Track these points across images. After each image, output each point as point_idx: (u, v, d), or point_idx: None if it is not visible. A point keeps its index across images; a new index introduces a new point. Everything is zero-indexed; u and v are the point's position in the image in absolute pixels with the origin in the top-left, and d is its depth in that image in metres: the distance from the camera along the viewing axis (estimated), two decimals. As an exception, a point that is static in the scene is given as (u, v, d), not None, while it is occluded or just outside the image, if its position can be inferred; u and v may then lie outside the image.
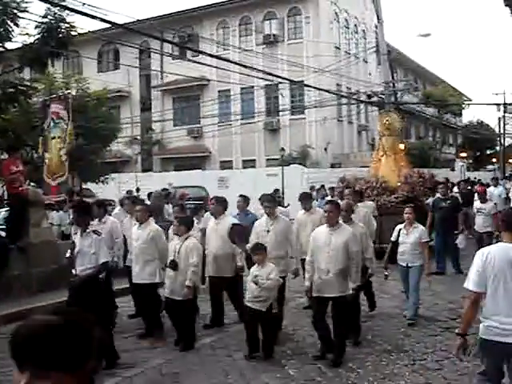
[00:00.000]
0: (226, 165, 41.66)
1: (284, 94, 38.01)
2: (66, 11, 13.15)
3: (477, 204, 16.03)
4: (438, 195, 16.12)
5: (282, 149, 34.84)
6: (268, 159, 40.38)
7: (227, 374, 7.61)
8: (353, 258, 7.82)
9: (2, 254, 10.83)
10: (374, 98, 26.54)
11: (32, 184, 19.86)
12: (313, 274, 7.96)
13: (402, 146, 21.60)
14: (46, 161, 8.79)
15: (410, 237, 10.16)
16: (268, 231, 9.43)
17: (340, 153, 40.84)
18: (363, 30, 45.71)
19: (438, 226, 15.09)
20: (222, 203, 10.38)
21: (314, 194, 21.12)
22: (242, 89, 40.03)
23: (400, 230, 10.38)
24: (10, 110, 16.02)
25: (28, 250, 11.36)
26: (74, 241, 8.11)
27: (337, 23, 42.58)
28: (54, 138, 8.56)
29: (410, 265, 10.14)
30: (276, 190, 19.72)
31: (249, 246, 9.36)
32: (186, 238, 8.85)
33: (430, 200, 16.57)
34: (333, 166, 38.38)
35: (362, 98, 34.93)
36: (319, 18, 40.29)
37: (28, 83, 15.16)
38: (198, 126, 43.16)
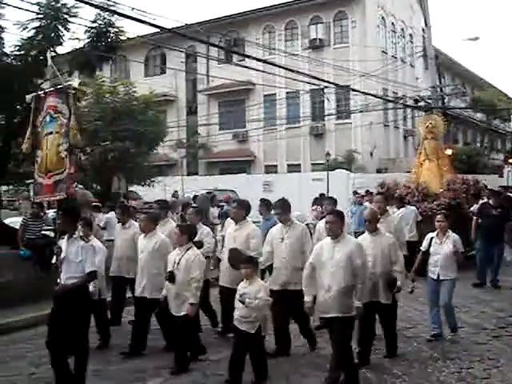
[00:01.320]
0: (270, 169, 41.68)
1: (330, 99, 37.75)
2: (115, 16, 13.32)
3: None
4: (485, 201, 15.42)
5: (328, 153, 34.67)
6: (313, 164, 40.21)
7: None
8: (356, 273, 7.04)
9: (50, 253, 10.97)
10: (421, 103, 26.28)
11: (80, 186, 20.23)
12: (312, 290, 7.30)
13: (448, 151, 21.22)
14: (38, 159, 8.07)
15: (443, 246, 9.35)
16: (282, 239, 8.71)
17: (386, 158, 40.46)
18: (410, 34, 45.28)
19: (483, 234, 14.30)
20: (243, 207, 9.55)
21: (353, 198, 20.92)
22: (287, 93, 39.92)
23: (432, 238, 9.56)
24: (59, 114, 16.30)
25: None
26: (61, 246, 7.38)
27: (383, 27, 42.26)
28: (50, 133, 7.87)
29: (441, 278, 9.31)
30: (322, 195, 19.59)
31: (261, 259, 8.70)
32: (188, 249, 8.07)
33: (475, 207, 15.90)
34: (379, 171, 38.05)
35: (408, 103, 34.64)
36: (365, 22, 40.03)
37: (77, 87, 15.39)
38: (244, 130, 43.27)
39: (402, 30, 44.78)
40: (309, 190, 26.14)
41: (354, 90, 29.12)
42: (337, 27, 41.21)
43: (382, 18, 42.01)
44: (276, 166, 42.38)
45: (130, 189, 25.85)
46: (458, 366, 7.94)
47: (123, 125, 23.10)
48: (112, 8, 13.11)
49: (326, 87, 29.48)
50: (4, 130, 14.18)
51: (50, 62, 8.47)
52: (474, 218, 14.83)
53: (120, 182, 22.81)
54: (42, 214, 13.31)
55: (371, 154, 39.31)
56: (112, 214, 13.96)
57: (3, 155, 14.15)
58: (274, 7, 42.05)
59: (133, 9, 13.30)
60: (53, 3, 13.09)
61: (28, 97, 8.39)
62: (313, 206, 18.94)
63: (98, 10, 13.35)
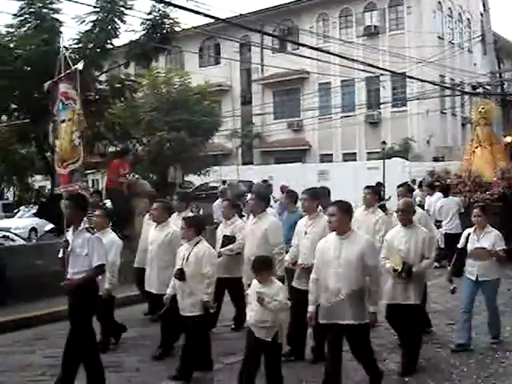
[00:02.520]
0: (325, 158, 41.51)
1: (385, 86, 37.35)
2: (170, 7, 13.46)
3: None
4: None
5: (384, 142, 34.38)
6: (369, 152, 39.92)
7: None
8: (370, 274, 6.26)
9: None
10: (480, 90, 25.73)
11: (137, 176, 20.53)
12: (318, 296, 6.42)
13: (508, 139, 20.54)
14: (57, 149, 7.67)
15: (481, 243, 8.25)
16: (306, 233, 7.88)
17: (443, 146, 39.82)
18: (468, 19, 44.36)
19: None
20: (262, 199, 8.98)
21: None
22: (342, 81, 39.66)
23: (469, 234, 8.48)
24: (117, 105, 16.60)
25: (133, 239, 11.65)
26: (67, 239, 6.90)
27: (440, 12, 41.51)
28: (63, 121, 7.49)
29: (480, 279, 8.18)
30: (378, 184, 19.38)
31: (288, 256, 8.09)
32: (197, 243, 7.32)
33: None
34: (436, 159, 37.49)
35: (466, 90, 33.96)
36: (421, 8, 39.41)
37: (133, 78, 15.65)
38: (298, 119, 43.20)
39: (460, 14, 43.91)
40: (364, 178, 25.90)
41: (410, 77, 28.72)
42: (392, 13, 40.71)
43: (439, 2, 41.27)
44: (331, 154, 42.19)
45: (186, 178, 26.14)
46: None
47: (178, 115, 23.38)
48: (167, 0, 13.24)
49: (381, 75, 29.25)
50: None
51: (62, 52, 8.26)
52: None
53: (176, 172, 23.11)
54: (102, 204, 13.58)
55: (428, 142, 38.77)
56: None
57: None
58: (328, -5, 41.74)
59: (187, 0, 13.42)
60: (109, -4, 13.30)
61: (45, 85, 8.19)
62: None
63: (153, 2, 13.52)
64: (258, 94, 45.84)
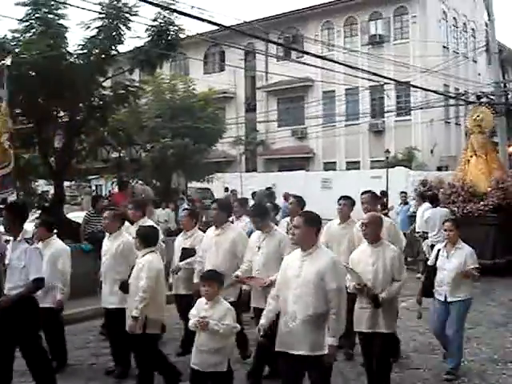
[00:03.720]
0: (329, 166, 41.48)
1: (390, 95, 37.42)
2: (175, 14, 13.50)
3: None
4: None
5: (387, 151, 34.40)
6: (372, 161, 39.88)
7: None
8: (330, 299, 5.36)
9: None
10: (484, 99, 25.72)
11: (140, 182, 20.56)
12: (274, 311, 5.73)
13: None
14: None
15: (450, 261, 7.51)
16: (259, 248, 7.41)
17: (447, 155, 39.78)
18: (472, 29, 44.38)
19: None
20: (225, 209, 8.29)
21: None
22: (346, 90, 39.68)
23: (439, 251, 7.74)
24: (121, 111, 16.64)
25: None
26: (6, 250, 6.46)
27: (445, 22, 41.55)
28: None
29: (449, 299, 7.43)
30: (383, 193, 19.31)
31: (239, 271, 7.49)
32: (144, 255, 6.88)
33: None
34: (439, 168, 37.46)
35: (470, 99, 33.95)
36: (426, 17, 39.43)
37: (137, 85, 15.68)
38: (302, 126, 43.20)
39: (464, 24, 43.97)
40: (368, 187, 25.83)
41: (414, 87, 28.76)
42: (397, 23, 40.72)
43: (444, 12, 41.33)
44: (335, 162, 42.17)
45: (190, 185, 26.15)
46: None
47: (182, 122, 23.41)
48: (172, 6, 13.29)
49: (385, 83, 29.21)
50: (67, 127, 14.51)
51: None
52: None
53: (179, 178, 23.13)
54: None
55: (432, 152, 38.74)
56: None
57: (66, 152, 14.48)
58: (333, 3, 41.75)
59: (192, 7, 13.54)
60: (114, 2, 13.37)
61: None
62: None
63: (158, 9, 13.55)
64: (262, 101, 45.89)
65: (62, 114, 14.53)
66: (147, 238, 6.99)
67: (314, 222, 5.68)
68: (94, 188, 30.17)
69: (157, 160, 22.49)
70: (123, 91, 14.77)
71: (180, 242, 8.88)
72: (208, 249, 8.02)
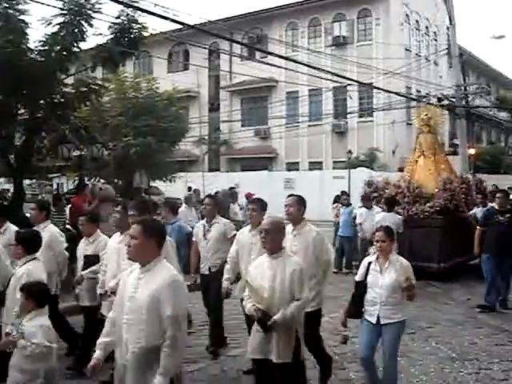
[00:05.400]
0: (292, 166, 41.67)
1: (352, 96, 37.72)
2: (139, 12, 13.39)
3: None
4: (490, 205, 12.79)
5: (350, 151, 34.68)
6: (335, 162, 40.14)
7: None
8: (166, 328, 4.32)
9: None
10: (445, 102, 26.08)
11: (102, 181, 20.35)
12: (109, 337, 4.65)
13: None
14: None
15: (384, 276, 6.34)
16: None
17: (408, 156, 40.13)
18: (434, 32, 45.00)
19: (490, 245, 11.29)
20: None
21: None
22: (310, 90, 39.88)
23: (369, 264, 6.56)
24: (83, 109, 16.44)
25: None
26: None
27: (407, 25, 42.06)
28: None
29: (383, 321, 6.29)
30: (343, 193, 19.50)
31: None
32: (26, 262, 6.12)
33: (477, 211, 14.19)
34: (400, 169, 37.75)
35: (432, 102, 34.37)
36: (389, 20, 39.84)
37: (100, 82, 15.51)
38: (266, 126, 43.30)
39: (427, 27, 44.52)
40: (330, 187, 26.12)
41: (376, 88, 29.04)
42: (360, 24, 41.09)
43: (406, 15, 41.80)
44: (298, 163, 42.35)
45: (152, 184, 25.97)
46: (477, 367, 7.87)
47: (146, 120, 23.21)
48: (135, 4, 13.18)
49: (348, 85, 29.49)
50: (28, 124, 14.29)
51: None
52: (478, 227, 11.95)
53: (142, 178, 22.94)
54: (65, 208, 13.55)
55: (393, 153, 39.11)
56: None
57: (27, 150, 14.27)
58: (298, 4, 42.01)
59: (156, 5, 13.39)
60: (77, -1, 13.19)
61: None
62: (334, 203, 19.01)
63: (121, 6, 13.43)
64: (225, 100, 45.89)
65: (22, 111, 14.30)
66: (30, 244, 6.24)
67: (154, 232, 4.62)
68: (55, 186, 29.75)
69: (119, 159, 22.26)
70: (85, 89, 14.57)
71: (82, 248, 8.09)
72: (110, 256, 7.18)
